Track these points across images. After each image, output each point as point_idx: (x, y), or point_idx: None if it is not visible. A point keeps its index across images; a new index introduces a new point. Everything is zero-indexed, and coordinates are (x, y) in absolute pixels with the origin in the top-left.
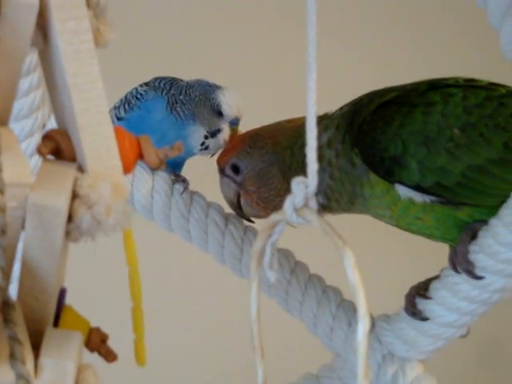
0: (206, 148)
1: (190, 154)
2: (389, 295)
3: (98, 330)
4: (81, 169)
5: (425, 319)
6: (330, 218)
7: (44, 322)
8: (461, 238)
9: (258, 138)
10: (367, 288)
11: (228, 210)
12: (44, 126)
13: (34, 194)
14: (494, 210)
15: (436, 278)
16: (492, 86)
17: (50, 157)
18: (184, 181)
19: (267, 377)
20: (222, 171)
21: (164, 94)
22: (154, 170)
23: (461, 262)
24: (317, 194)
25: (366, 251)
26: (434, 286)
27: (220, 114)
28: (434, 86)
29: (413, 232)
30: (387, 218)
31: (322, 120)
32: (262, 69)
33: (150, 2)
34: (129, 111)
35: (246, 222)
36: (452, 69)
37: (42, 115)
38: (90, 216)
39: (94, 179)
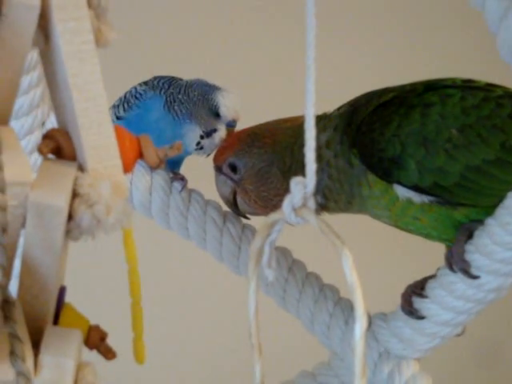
0: (201, 148)
1: (187, 152)
2: (385, 294)
3: (97, 327)
4: (81, 168)
5: (421, 318)
6: (328, 217)
7: (44, 320)
8: (457, 238)
9: (256, 136)
10: (364, 287)
11: (225, 207)
12: (43, 123)
13: (35, 192)
14: (489, 210)
15: (432, 277)
16: (489, 87)
17: (50, 156)
18: (182, 179)
19: (265, 374)
20: (218, 169)
21: (162, 92)
22: (153, 169)
23: (457, 262)
24: (315, 194)
25: (363, 250)
26: (430, 285)
27: (217, 115)
28: (431, 86)
29: (410, 232)
30: (385, 218)
31: (321, 120)
32: (262, 69)
33: (150, 2)
34: (128, 110)
35: (244, 220)
36: (450, 69)
37: (42, 113)
38: (91, 215)
39: (94, 178)
